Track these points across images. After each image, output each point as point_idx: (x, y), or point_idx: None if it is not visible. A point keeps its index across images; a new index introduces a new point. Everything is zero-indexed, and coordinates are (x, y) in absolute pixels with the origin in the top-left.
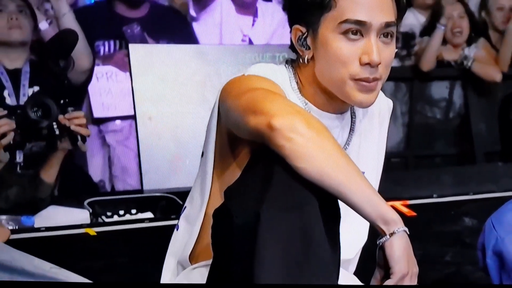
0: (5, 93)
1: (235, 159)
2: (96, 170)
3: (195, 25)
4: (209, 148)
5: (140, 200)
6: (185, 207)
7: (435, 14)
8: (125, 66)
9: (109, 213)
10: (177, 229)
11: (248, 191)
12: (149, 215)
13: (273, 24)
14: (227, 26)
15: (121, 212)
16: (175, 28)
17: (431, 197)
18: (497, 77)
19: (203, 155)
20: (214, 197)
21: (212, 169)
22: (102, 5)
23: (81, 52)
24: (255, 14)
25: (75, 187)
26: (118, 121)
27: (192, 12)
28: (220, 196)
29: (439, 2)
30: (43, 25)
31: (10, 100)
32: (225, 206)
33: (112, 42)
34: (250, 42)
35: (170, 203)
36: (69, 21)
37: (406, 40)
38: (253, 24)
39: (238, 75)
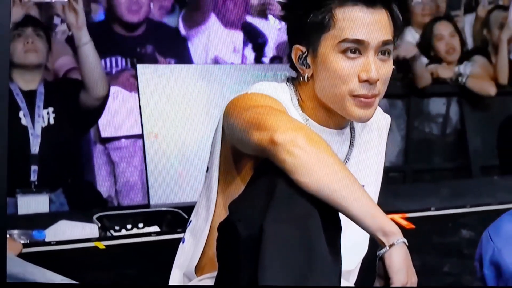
0: (21, 114)
1: (239, 174)
2: (103, 186)
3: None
4: (214, 163)
5: (147, 215)
6: (191, 220)
7: (427, 33)
8: (131, 86)
9: (117, 227)
10: (183, 242)
11: (251, 204)
12: (155, 229)
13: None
14: (216, 43)
15: (129, 226)
16: (171, 46)
17: (429, 210)
18: (492, 91)
19: (208, 170)
20: (219, 210)
21: (217, 184)
22: (103, 24)
23: (97, 80)
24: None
25: (85, 202)
26: (123, 140)
27: (183, 31)
28: (224, 210)
29: (430, 21)
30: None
31: (25, 121)
32: (230, 219)
33: (118, 63)
34: (244, 56)
35: (176, 217)
36: (89, 51)
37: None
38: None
39: (242, 93)
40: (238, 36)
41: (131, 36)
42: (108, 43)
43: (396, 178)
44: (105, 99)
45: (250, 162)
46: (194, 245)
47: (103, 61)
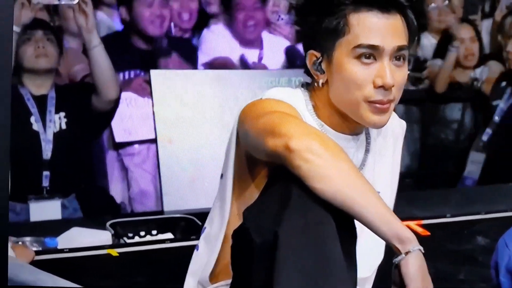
0: (32, 119)
1: (253, 180)
2: (117, 192)
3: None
4: (228, 170)
5: (160, 221)
6: (205, 227)
7: (447, 37)
8: (144, 91)
9: (130, 234)
10: (197, 249)
11: (266, 211)
12: (169, 235)
13: (279, 53)
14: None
15: (142, 233)
16: (187, 57)
17: (444, 216)
18: None
19: (222, 176)
20: (233, 217)
21: (231, 190)
22: (121, 34)
23: (108, 83)
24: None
25: (98, 208)
26: (136, 145)
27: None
28: (239, 217)
29: (451, 25)
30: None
31: (37, 126)
32: (244, 226)
33: (131, 69)
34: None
35: (190, 224)
36: (100, 54)
37: (417, 63)
38: (260, 57)
39: (256, 99)
40: (250, 41)
41: (149, 49)
42: (125, 55)
43: (411, 184)
44: (116, 103)
45: (264, 168)
46: (208, 252)
47: (120, 74)
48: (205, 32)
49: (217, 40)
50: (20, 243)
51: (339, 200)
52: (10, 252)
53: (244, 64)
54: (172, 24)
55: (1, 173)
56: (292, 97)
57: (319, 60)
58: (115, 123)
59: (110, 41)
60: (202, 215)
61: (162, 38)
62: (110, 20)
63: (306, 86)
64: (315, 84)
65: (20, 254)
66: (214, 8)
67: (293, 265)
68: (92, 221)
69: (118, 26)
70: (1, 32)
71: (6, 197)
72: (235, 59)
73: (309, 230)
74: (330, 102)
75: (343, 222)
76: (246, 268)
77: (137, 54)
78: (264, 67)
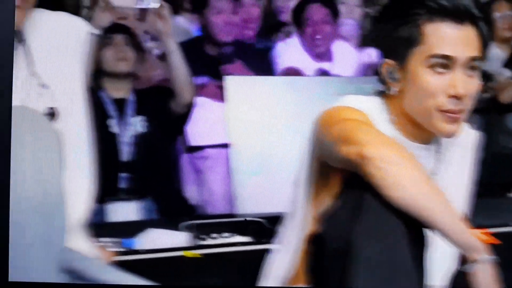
0: (111, 122)
1: (328, 187)
2: (190, 194)
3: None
4: (303, 176)
5: (232, 224)
6: (280, 233)
7: None
8: (217, 96)
9: (203, 236)
10: (272, 254)
11: (340, 218)
12: (240, 238)
13: (350, 61)
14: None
15: (214, 235)
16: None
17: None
18: None
19: (296, 182)
20: (307, 223)
21: (305, 197)
22: (195, 41)
23: (184, 86)
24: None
25: (172, 210)
26: (209, 149)
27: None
28: (313, 223)
29: None
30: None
31: (115, 129)
32: (319, 232)
33: (204, 75)
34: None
35: (261, 228)
36: (177, 57)
37: (485, 75)
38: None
39: (332, 106)
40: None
41: (221, 54)
42: (200, 61)
43: (478, 192)
44: (191, 106)
45: (339, 175)
46: (283, 257)
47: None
48: (275, 39)
49: (287, 49)
50: (99, 244)
51: (411, 208)
52: (93, 252)
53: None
54: (242, 31)
55: (2, 173)
56: (367, 105)
57: (394, 68)
58: (189, 127)
59: (186, 46)
60: (273, 219)
61: (233, 45)
62: (188, 26)
63: (380, 94)
64: (389, 92)
65: (101, 255)
66: (284, 16)
67: (365, 273)
68: (167, 222)
69: (195, 32)
70: (3, 33)
71: (7, 195)
72: (306, 69)
73: (381, 237)
74: (404, 111)
75: (415, 230)
76: (321, 274)
77: (210, 59)
78: (335, 75)
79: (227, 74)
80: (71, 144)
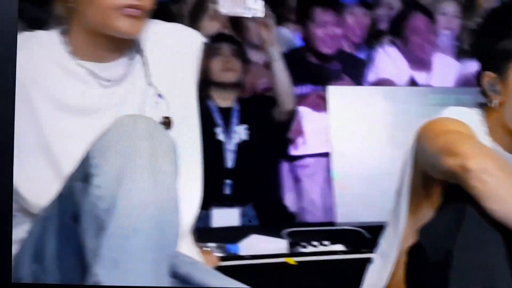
0: (217, 130)
1: (428, 198)
2: (290, 202)
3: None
4: (404, 187)
5: (331, 232)
6: (380, 243)
7: None
8: (319, 106)
9: (303, 243)
10: (372, 263)
11: (440, 230)
12: (340, 247)
13: (449, 73)
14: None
15: (315, 243)
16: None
17: None
18: None
19: (397, 192)
20: (407, 234)
21: (406, 207)
22: (298, 51)
23: (287, 94)
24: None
25: (273, 217)
26: (309, 158)
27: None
28: (413, 234)
29: None
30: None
31: (221, 136)
32: (419, 244)
33: (306, 85)
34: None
35: (360, 237)
36: (280, 66)
37: None
38: (429, 79)
39: (434, 117)
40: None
41: (323, 65)
42: (301, 71)
43: None
44: (293, 114)
45: (440, 187)
46: (382, 267)
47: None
48: (376, 50)
49: (387, 58)
50: (205, 248)
51: (511, 221)
52: (198, 256)
53: (412, 85)
54: (343, 42)
55: (4, 175)
56: (467, 117)
57: (494, 81)
58: (290, 136)
59: (289, 56)
60: (372, 228)
61: (334, 56)
62: (291, 36)
63: (481, 106)
64: (491, 104)
65: (206, 259)
66: (384, 25)
67: (466, 284)
68: (267, 229)
69: (297, 42)
70: (6, 34)
71: (10, 194)
72: (404, 79)
73: (482, 250)
74: (504, 123)
75: None
76: (419, 284)
77: (312, 70)
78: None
79: (329, 84)
80: (183, 152)
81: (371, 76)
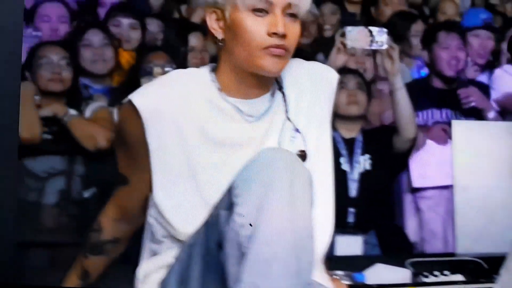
0: (342, 159)
1: None
2: (411, 232)
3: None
4: None
5: (451, 263)
6: (501, 273)
7: None
8: (442, 139)
9: (425, 273)
10: None
11: None
12: (460, 277)
13: None
14: None
15: (436, 273)
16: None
17: None
18: None
19: None
20: None
21: None
22: (420, 81)
23: (409, 123)
24: None
25: (394, 246)
26: (431, 190)
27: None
28: None
29: None
30: None
31: (345, 166)
32: None
33: (433, 115)
34: None
35: (478, 267)
36: (403, 95)
37: None
38: None
39: None
40: None
41: (448, 89)
42: (427, 96)
43: None
44: (414, 141)
45: None
46: None
47: (420, 114)
48: (497, 71)
49: (505, 76)
50: (334, 276)
51: None
52: (329, 284)
53: None
54: (466, 65)
55: (9, 174)
56: None
57: None
58: (413, 169)
59: (411, 85)
60: (490, 259)
61: (457, 79)
62: (408, 70)
63: None
64: None
65: (336, 287)
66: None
67: None
68: (388, 258)
69: (415, 74)
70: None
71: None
72: None
73: None
74: None
75: None
76: None
77: (438, 98)
78: None
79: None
80: (317, 183)
81: (493, 95)
